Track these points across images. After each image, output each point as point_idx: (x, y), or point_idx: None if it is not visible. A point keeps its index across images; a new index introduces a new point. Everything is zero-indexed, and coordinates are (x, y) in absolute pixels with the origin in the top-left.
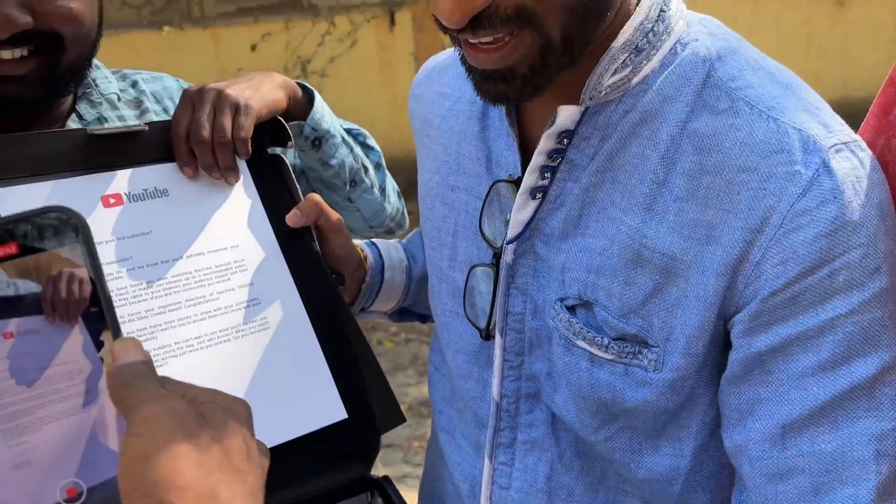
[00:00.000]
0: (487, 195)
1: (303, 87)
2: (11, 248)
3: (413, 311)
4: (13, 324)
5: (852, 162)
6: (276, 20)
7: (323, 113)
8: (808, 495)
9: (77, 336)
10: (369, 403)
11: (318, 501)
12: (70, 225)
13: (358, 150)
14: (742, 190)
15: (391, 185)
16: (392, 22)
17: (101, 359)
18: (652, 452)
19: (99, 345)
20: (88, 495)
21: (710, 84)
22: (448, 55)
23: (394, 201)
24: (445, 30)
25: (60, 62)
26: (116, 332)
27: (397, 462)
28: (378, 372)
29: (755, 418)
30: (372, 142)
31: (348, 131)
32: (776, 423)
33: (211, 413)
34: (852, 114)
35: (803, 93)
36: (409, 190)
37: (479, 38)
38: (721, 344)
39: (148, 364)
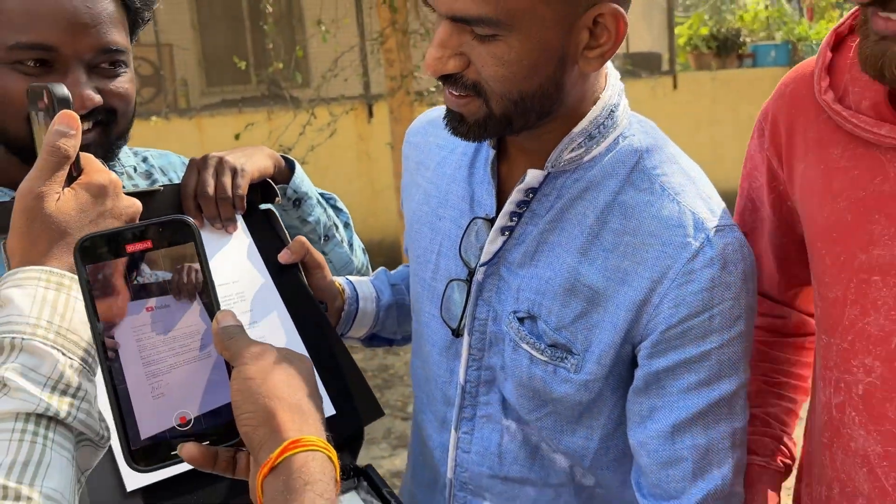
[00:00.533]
0: (468, 227)
1: (286, 158)
2: (147, 244)
3: (381, 336)
4: (152, 301)
5: (727, 239)
6: (259, 111)
7: (302, 178)
8: (690, 476)
9: (195, 308)
10: (353, 401)
11: None
12: (187, 230)
13: (330, 211)
14: (650, 250)
15: (357, 242)
16: (370, 114)
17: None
18: (570, 433)
19: (211, 314)
20: (195, 421)
21: (637, 169)
22: (439, 112)
23: (360, 256)
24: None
25: (112, 133)
26: (218, 306)
27: None
28: (358, 374)
29: (652, 421)
30: (341, 205)
31: (322, 195)
32: (667, 425)
33: (291, 357)
34: None
35: (702, 185)
36: (389, 267)
37: (448, 89)
38: (627, 362)
39: (240, 326)
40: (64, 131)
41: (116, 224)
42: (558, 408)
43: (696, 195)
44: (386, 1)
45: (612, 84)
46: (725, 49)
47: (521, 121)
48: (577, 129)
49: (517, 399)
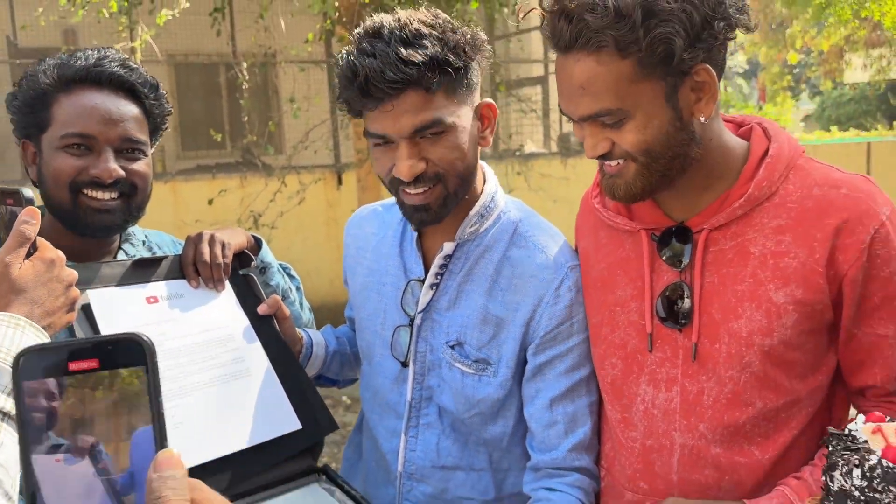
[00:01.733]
0: (405, 288)
1: (254, 236)
2: (94, 363)
3: (327, 377)
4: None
5: (577, 274)
6: (232, 177)
7: (266, 251)
8: (563, 434)
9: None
10: (314, 417)
11: (280, 483)
12: (140, 349)
13: (286, 278)
14: (530, 286)
15: (306, 303)
16: (339, 182)
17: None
18: (492, 424)
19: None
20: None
21: (516, 233)
22: (369, 210)
23: (307, 314)
24: (390, 184)
25: (132, 203)
26: (162, 443)
27: None
28: (318, 397)
29: (537, 398)
30: (294, 273)
31: (280, 265)
32: (547, 400)
33: None
34: None
35: (557, 239)
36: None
37: (415, 188)
38: (523, 363)
39: (184, 476)
40: (27, 220)
41: (60, 287)
42: (482, 407)
43: (555, 246)
44: None
45: (489, 179)
46: None
47: (462, 194)
48: (473, 212)
49: (454, 405)
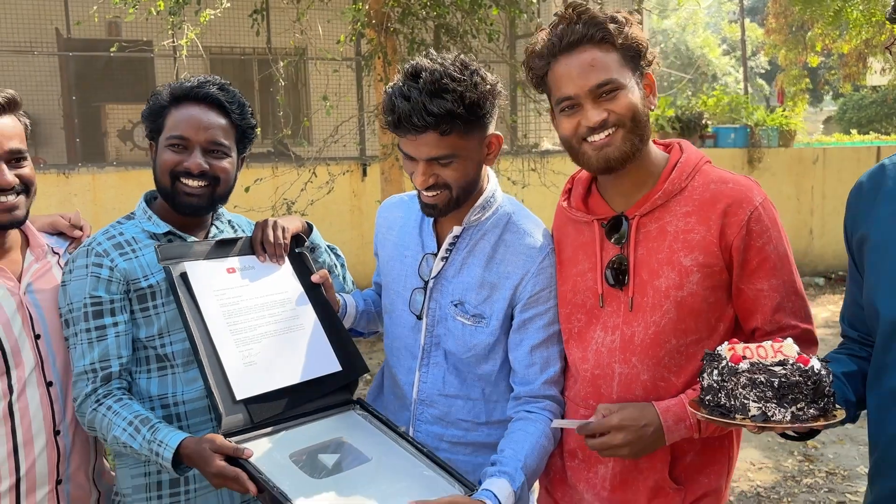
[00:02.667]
0: (422, 259)
1: (308, 223)
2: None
3: (356, 329)
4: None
5: (552, 254)
6: (266, 167)
7: (316, 235)
8: (539, 372)
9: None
10: (351, 361)
11: (324, 410)
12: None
13: (332, 256)
14: (519, 261)
15: (349, 277)
16: (364, 174)
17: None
18: (484, 363)
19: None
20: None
21: (510, 223)
22: (398, 198)
23: (349, 285)
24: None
25: (216, 192)
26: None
27: None
28: (354, 346)
29: (521, 345)
30: (340, 252)
31: (329, 246)
32: (528, 347)
33: None
34: None
35: (541, 228)
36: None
37: (428, 192)
38: (510, 318)
39: None
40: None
41: None
42: (477, 350)
43: (539, 233)
44: (382, 79)
45: (491, 180)
46: (689, 130)
47: (464, 198)
48: (476, 205)
49: (456, 349)
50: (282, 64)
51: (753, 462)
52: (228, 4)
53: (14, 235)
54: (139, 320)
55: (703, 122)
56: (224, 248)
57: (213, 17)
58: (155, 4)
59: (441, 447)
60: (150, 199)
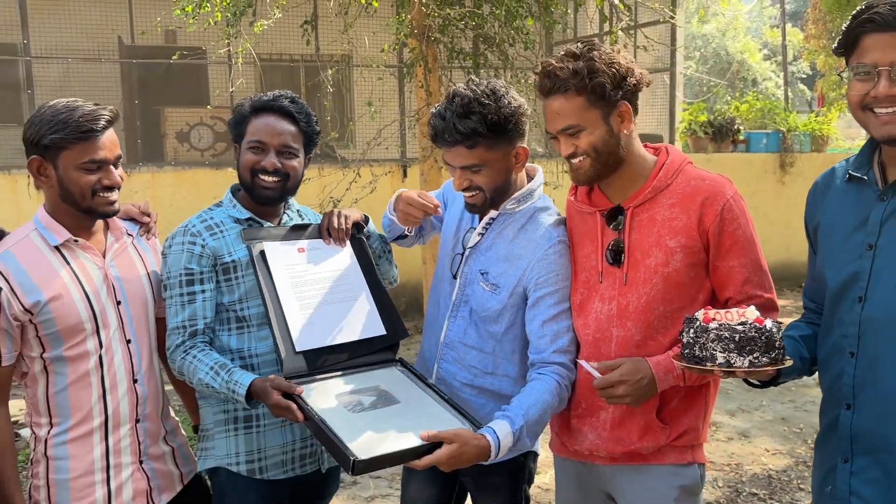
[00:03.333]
0: (466, 232)
1: (365, 214)
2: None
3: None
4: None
5: (561, 246)
6: (313, 168)
7: (371, 224)
8: (549, 343)
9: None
10: (394, 327)
11: (368, 366)
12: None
13: (381, 242)
14: (529, 248)
15: (394, 263)
16: (405, 175)
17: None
18: (493, 324)
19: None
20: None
21: (533, 216)
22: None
23: (395, 272)
24: None
25: (287, 186)
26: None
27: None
28: (398, 314)
29: (534, 320)
30: (387, 240)
31: (379, 235)
32: (540, 321)
33: None
34: (795, 275)
35: (558, 224)
36: (411, 306)
37: (466, 193)
38: (520, 293)
39: None
40: None
41: None
42: (489, 312)
43: (553, 228)
44: (423, 86)
45: (537, 178)
46: (721, 135)
47: (499, 198)
48: (512, 197)
49: (477, 308)
50: (330, 71)
51: (768, 448)
52: (280, 15)
53: (99, 221)
54: (223, 288)
55: (736, 127)
56: (297, 232)
57: (265, 27)
58: (212, 15)
59: (454, 384)
60: (234, 191)
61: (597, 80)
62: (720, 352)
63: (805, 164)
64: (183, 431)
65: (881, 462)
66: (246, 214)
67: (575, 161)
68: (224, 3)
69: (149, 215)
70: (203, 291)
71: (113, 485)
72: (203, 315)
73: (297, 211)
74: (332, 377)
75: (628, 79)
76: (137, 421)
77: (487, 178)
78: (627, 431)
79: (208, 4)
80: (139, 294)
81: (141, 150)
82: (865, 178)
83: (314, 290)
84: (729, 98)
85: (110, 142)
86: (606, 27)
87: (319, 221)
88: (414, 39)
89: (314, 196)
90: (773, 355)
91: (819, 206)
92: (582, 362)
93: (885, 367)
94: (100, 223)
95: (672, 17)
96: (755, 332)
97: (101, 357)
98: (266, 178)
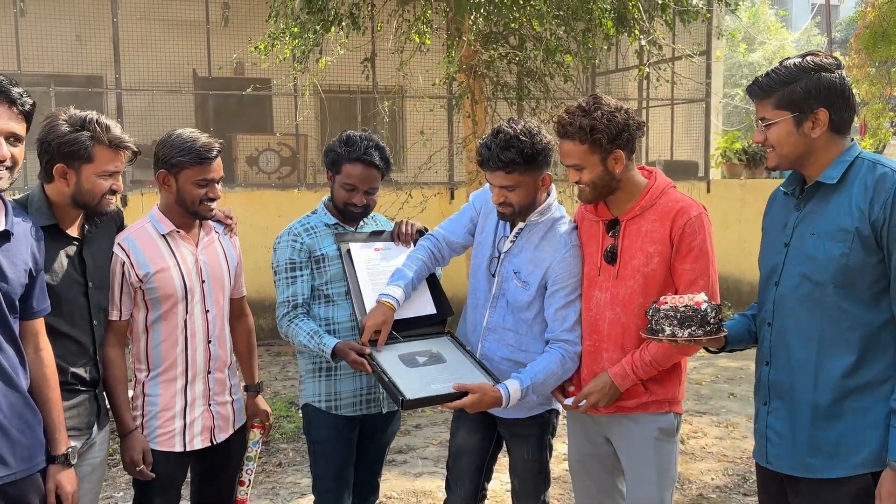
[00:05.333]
0: (500, 239)
1: (424, 226)
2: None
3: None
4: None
5: (575, 250)
6: None
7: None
8: (560, 324)
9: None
10: (443, 307)
11: (424, 336)
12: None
13: None
14: (550, 251)
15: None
16: (452, 196)
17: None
18: (525, 311)
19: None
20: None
21: (553, 226)
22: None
23: (440, 270)
24: None
25: (368, 211)
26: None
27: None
28: (446, 299)
29: (550, 307)
30: None
31: None
32: (554, 308)
33: None
34: None
35: (571, 231)
36: (455, 320)
37: (500, 207)
38: (543, 286)
39: None
40: None
41: None
42: (520, 303)
43: (567, 234)
44: (470, 116)
45: (552, 194)
46: (754, 162)
47: (525, 213)
48: (537, 210)
49: (511, 299)
50: (385, 103)
51: None
52: (343, 52)
53: (197, 220)
54: (314, 274)
55: None
56: (375, 235)
57: (329, 63)
58: (282, 52)
59: (494, 359)
60: (326, 202)
61: (596, 136)
62: (667, 326)
63: None
64: (243, 389)
65: (786, 403)
66: (333, 221)
67: (579, 187)
68: (294, 43)
69: (231, 218)
70: (302, 276)
71: (188, 419)
72: (302, 292)
73: (372, 217)
74: (397, 343)
75: (623, 133)
76: (209, 373)
77: (519, 197)
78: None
79: (279, 44)
80: (219, 277)
81: None
82: (792, 192)
83: (385, 279)
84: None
85: (218, 166)
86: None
87: (391, 228)
88: (462, 74)
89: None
90: (708, 329)
91: (767, 212)
92: (568, 401)
93: (789, 332)
94: (196, 221)
95: (703, 53)
96: (692, 311)
97: (185, 321)
98: (355, 210)
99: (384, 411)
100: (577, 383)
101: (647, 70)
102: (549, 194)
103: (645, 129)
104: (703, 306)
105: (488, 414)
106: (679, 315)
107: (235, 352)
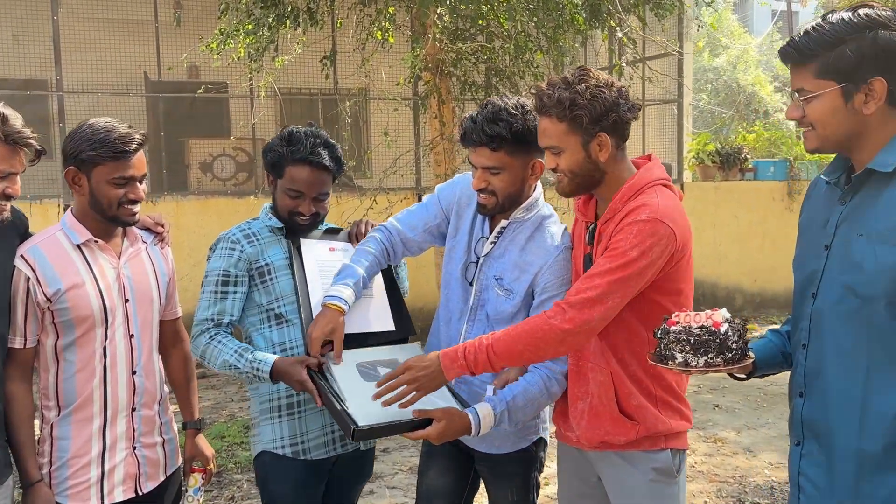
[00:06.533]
0: (478, 241)
1: None
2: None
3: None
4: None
5: (567, 252)
6: (331, 195)
7: None
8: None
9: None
10: (403, 324)
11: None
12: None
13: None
14: (540, 254)
15: (405, 278)
16: (419, 202)
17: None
18: (508, 324)
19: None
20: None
21: (542, 224)
22: (473, 191)
23: (406, 285)
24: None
25: (318, 220)
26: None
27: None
28: (408, 315)
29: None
30: (403, 262)
31: None
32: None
33: None
34: None
35: (564, 232)
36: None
37: (481, 195)
38: (530, 294)
39: None
40: None
41: None
42: (503, 315)
43: (560, 235)
44: (437, 117)
45: (538, 189)
46: (728, 163)
47: (510, 204)
48: (521, 206)
49: (492, 311)
50: (347, 104)
51: (772, 462)
52: (301, 51)
53: (118, 227)
54: (261, 289)
55: (743, 155)
56: (330, 235)
57: (286, 62)
58: (236, 52)
59: (474, 383)
60: (268, 209)
61: (576, 112)
62: (678, 352)
63: None
64: (175, 427)
65: (823, 446)
66: (280, 224)
67: (557, 176)
68: (248, 40)
69: (162, 226)
70: (234, 293)
71: (107, 466)
72: (231, 312)
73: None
74: (358, 349)
75: (610, 114)
76: (134, 409)
77: (503, 183)
78: (601, 422)
79: (232, 42)
80: (146, 294)
81: (166, 180)
82: (836, 182)
83: None
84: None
85: (139, 161)
86: (615, 59)
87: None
88: (428, 73)
89: (332, 221)
90: (729, 356)
91: (805, 205)
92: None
93: (828, 357)
94: (119, 229)
95: (679, 51)
96: (709, 335)
97: (105, 348)
98: (302, 218)
99: (362, 448)
100: (562, 409)
101: (622, 65)
102: (535, 188)
103: (639, 112)
104: (724, 328)
105: (464, 448)
106: (693, 339)
107: (171, 383)
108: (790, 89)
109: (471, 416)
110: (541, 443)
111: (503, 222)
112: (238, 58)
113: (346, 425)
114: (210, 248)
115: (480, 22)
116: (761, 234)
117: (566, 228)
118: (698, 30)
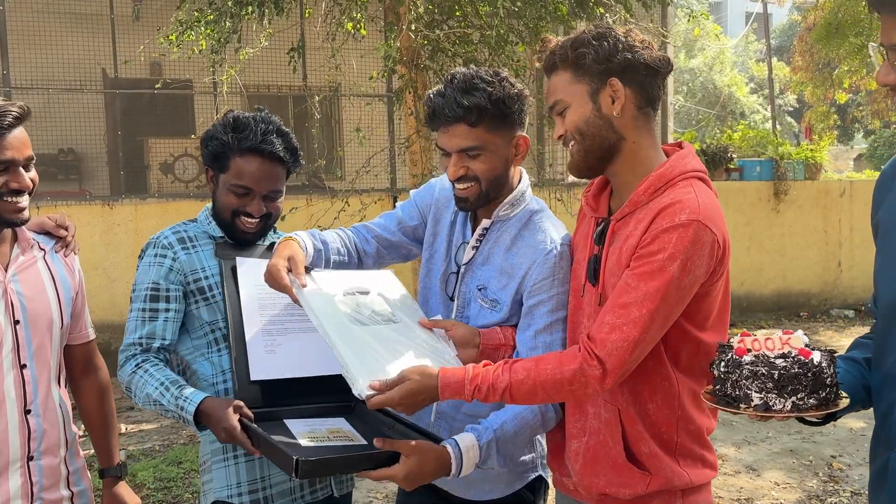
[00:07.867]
0: (458, 247)
1: None
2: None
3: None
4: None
5: (563, 249)
6: (300, 198)
7: None
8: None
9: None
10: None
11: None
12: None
13: None
14: (528, 253)
15: None
16: (394, 203)
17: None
18: None
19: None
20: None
21: (530, 220)
22: (450, 191)
23: None
24: (450, 181)
25: (268, 224)
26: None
27: None
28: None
29: (527, 330)
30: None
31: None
32: (533, 331)
33: None
34: (793, 304)
35: (559, 228)
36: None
37: (460, 185)
38: (519, 302)
39: None
40: None
41: None
42: (489, 326)
43: (554, 231)
44: (413, 113)
45: (524, 180)
46: (714, 163)
47: (494, 193)
48: (506, 200)
49: (476, 324)
50: (317, 99)
51: (777, 482)
52: (267, 43)
53: (6, 231)
54: (202, 307)
55: (729, 155)
56: (271, 252)
57: (251, 56)
58: (197, 44)
59: (456, 417)
60: (209, 211)
61: (579, 50)
62: (756, 391)
63: (799, 192)
64: (89, 475)
65: None
66: (220, 233)
67: (568, 148)
68: (208, 31)
69: (66, 228)
70: (167, 310)
71: None
72: (162, 335)
73: (276, 234)
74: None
75: (623, 53)
76: (31, 458)
77: (486, 165)
78: (600, 468)
79: (192, 33)
80: (44, 315)
81: (124, 182)
82: None
83: (282, 315)
84: (718, 131)
85: (19, 141)
86: None
87: None
88: (403, 66)
89: (301, 226)
90: (823, 395)
91: (882, 200)
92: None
93: None
94: (7, 234)
95: (664, 44)
96: (799, 367)
97: None
98: (249, 220)
99: (337, 494)
100: (557, 447)
101: None
102: (521, 180)
103: (668, 66)
104: (816, 358)
105: (445, 496)
106: (777, 374)
107: (84, 421)
108: (880, 45)
109: (450, 450)
110: (539, 481)
111: (485, 222)
112: (199, 51)
113: (287, 460)
114: (140, 254)
115: (457, 13)
116: (748, 236)
117: (562, 225)
118: (689, 20)
